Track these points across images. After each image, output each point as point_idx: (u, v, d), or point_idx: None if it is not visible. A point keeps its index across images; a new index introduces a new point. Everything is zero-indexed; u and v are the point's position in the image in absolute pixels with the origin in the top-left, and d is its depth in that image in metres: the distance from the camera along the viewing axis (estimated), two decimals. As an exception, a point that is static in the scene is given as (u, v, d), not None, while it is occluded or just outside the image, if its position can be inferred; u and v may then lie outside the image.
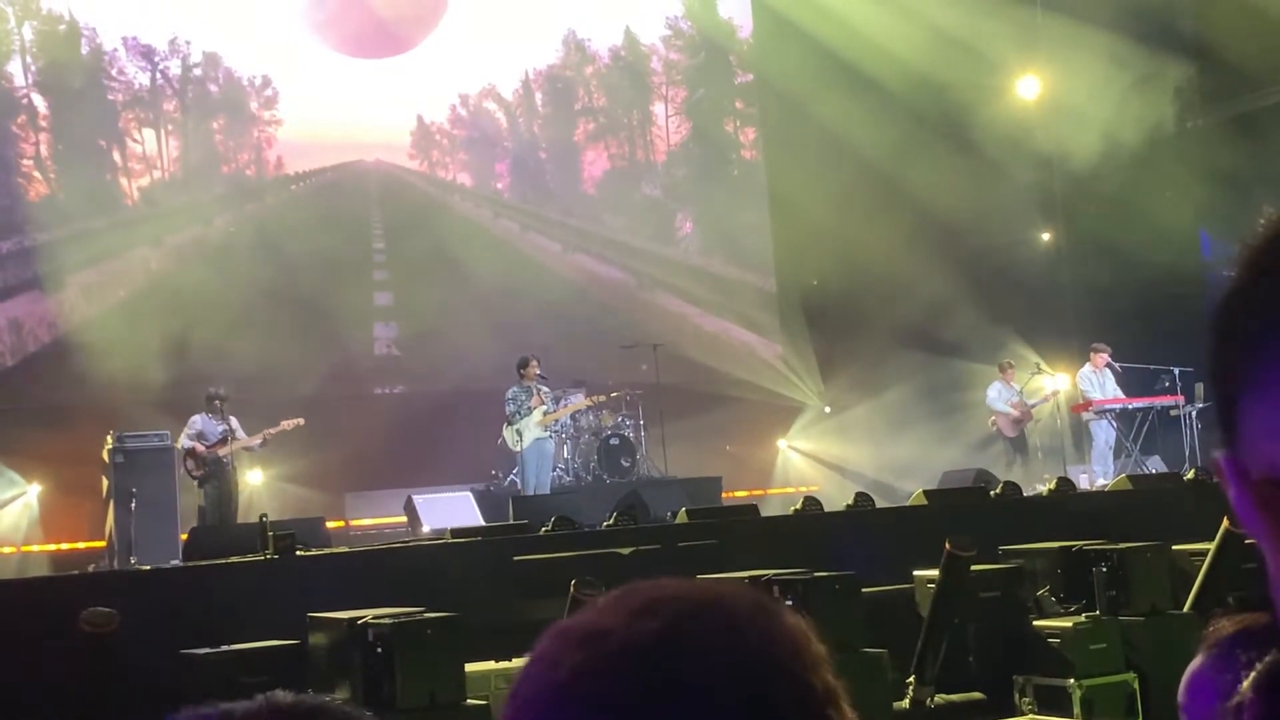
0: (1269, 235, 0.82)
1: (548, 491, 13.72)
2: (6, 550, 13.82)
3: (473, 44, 18.03)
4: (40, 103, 15.91)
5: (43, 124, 15.90)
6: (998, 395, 16.22)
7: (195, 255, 16.20)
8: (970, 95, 17.93)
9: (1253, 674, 1.52)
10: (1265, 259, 0.82)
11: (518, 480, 14.21)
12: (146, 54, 16.43)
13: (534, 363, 14.05)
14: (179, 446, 12.78)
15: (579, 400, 14.93)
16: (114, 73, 16.33)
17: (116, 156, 16.24)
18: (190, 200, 16.50)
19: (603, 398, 15.01)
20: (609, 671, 0.95)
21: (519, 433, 13.92)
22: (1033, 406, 16.19)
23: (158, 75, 16.57)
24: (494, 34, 18.10)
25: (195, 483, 12.87)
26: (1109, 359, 15.65)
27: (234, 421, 13.09)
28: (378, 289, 17.39)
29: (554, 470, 14.73)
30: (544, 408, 13.95)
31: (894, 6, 17.51)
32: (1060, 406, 16.50)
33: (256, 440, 13.11)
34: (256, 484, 14.14)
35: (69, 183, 15.80)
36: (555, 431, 14.64)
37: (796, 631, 1.01)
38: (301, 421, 13.23)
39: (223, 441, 12.91)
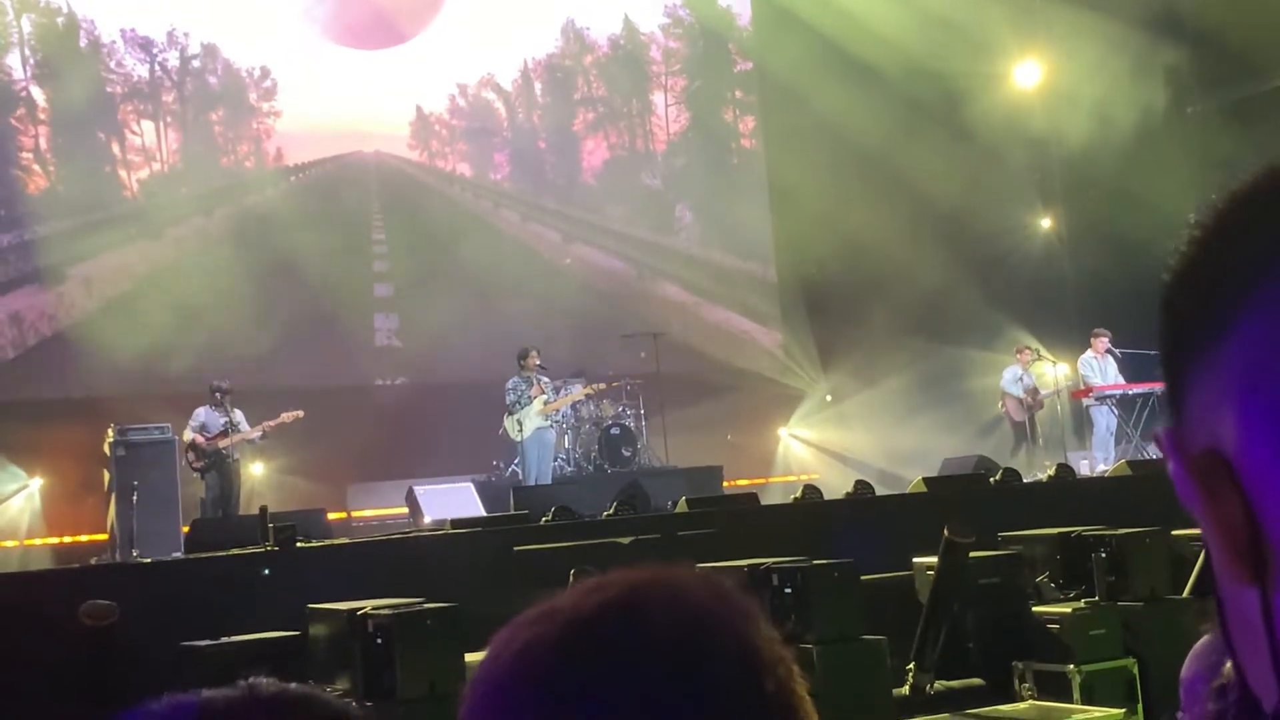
0: (1208, 217, 0.84)
1: (549, 481, 13.74)
2: (9, 544, 13.82)
3: (471, 34, 18.01)
4: (39, 95, 15.90)
5: (41, 117, 15.89)
6: (1013, 379, 16.23)
7: (195, 247, 16.19)
8: (969, 82, 17.92)
9: None
10: (1208, 237, 0.83)
11: (519, 470, 14.23)
12: (145, 46, 16.42)
13: (534, 353, 14.08)
14: (183, 438, 12.84)
15: (579, 390, 14.94)
16: (112, 65, 16.31)
17: (116, 149, 16.23)
18: (190, 192, 16.50)
19: (602, 386, 15.01)
20: (554, 643, 0.98)
21: (519, 423, 13.96)
22: (1044, 396, 16.20)
23: (156, 67, 16.56)
24: (492, 24, 18.08)
25: (197, 475, 12.93)
26: (1109, 344, 15.65)
27: (239, 414, 13.15)
28: (378, 280, 17.38)
29: (555, 460, 14.75)
30: (544, 397, 13.98)
31: (892, -7, 17.50)
32: (1061, 393, 16.51)
33: (256, 433, 13.14)
34: (259, 475, 14.16)
35: (68, 176, 15.80)
36: (556, 421, 14.66)
37: (742, 604, 1.03)
38: (301, 414, 13.26)
39: (224, 434, 12.97)
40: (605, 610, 0.99)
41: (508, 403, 14.06)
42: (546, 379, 14.23)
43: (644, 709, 0.95)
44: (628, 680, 0.95)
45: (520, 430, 13.95)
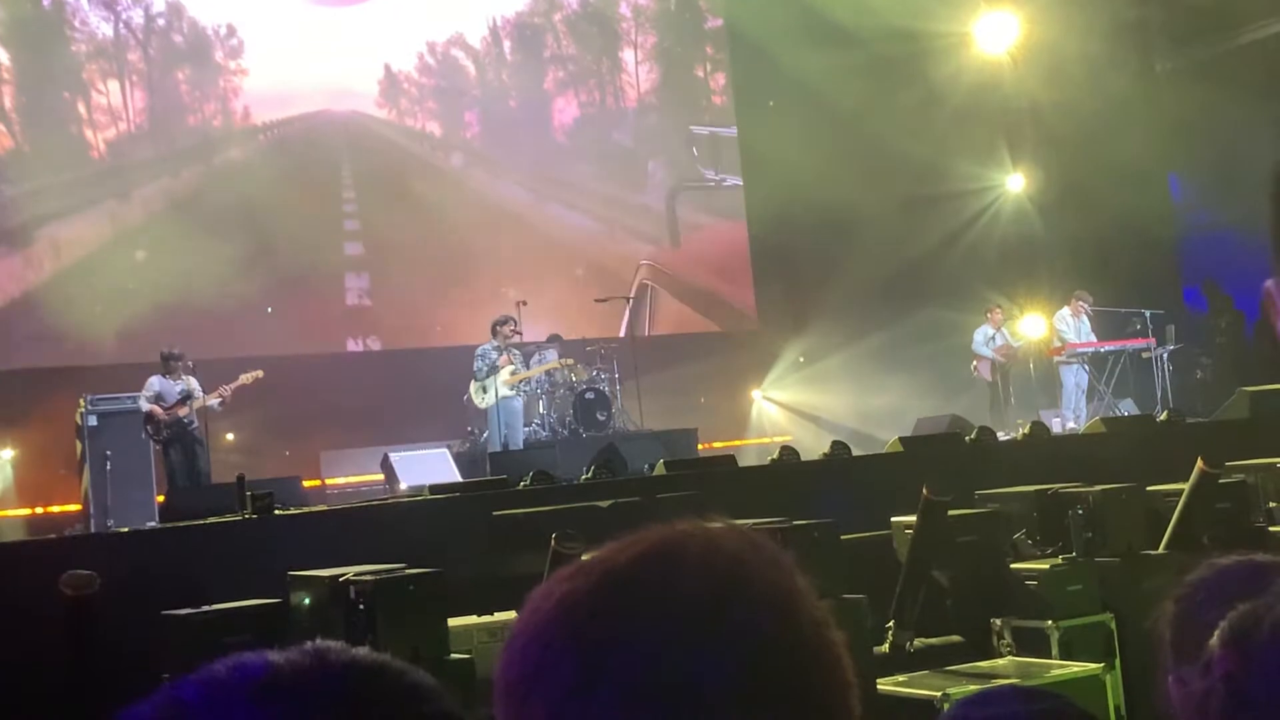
0: None
1: (519, 448, 13.76)
2: (-19, 514, 13.75)
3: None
4: (2, 55, 15.67)
5: (5, 77, 15.67)
6: (983, 340, 16.30)
7: (163, 207, 16.05)
8: (940, 42, 17.87)
9: (1219, 629, 1.53)
10: None
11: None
12: (108, 4, 16.21)
13: (510, 324, 14.04)
14: (141, 409, 12.41)
15: (549, 361, 14.90)
16: (76, 24, 16.10)
17: (81, 109, 16.04)
18: (157, 152, 16.33)
19: (569, 361, 14.94)
20: (591, 595, 0.99)
21: (484, 389, 13.98)
22: (1016, 347, 16.27)
23: (121, 25, 16.34)
24: (461, -19, 17.93)
25: (159, 448, 12.46)
26: (1086, 307, 15.73)
27: (194, 382, 12.62)
28: (348, 239, 17.27)
29: (529, 426, 14.77)
30: (511, 367, 13.98)
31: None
32: (1033, 346, 16.56)
33: (215, 399, 12.55)
34: (229, 443, 14.04)
35: (34, 136, 15.62)
36: (526, 390, 14.64)
37: (776, 554, 1.05)
38: (260, 374, 12.70)
39: (181, 402, 12.49)
40: (641, 562, 1.00)
41: (474, 369, 14.07)
42: (518, 350, 14.22)
43: (681, 659, 0.95)
44: (664, 631, 0.96)
45: (485, 397, 13.97)
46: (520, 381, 14.21)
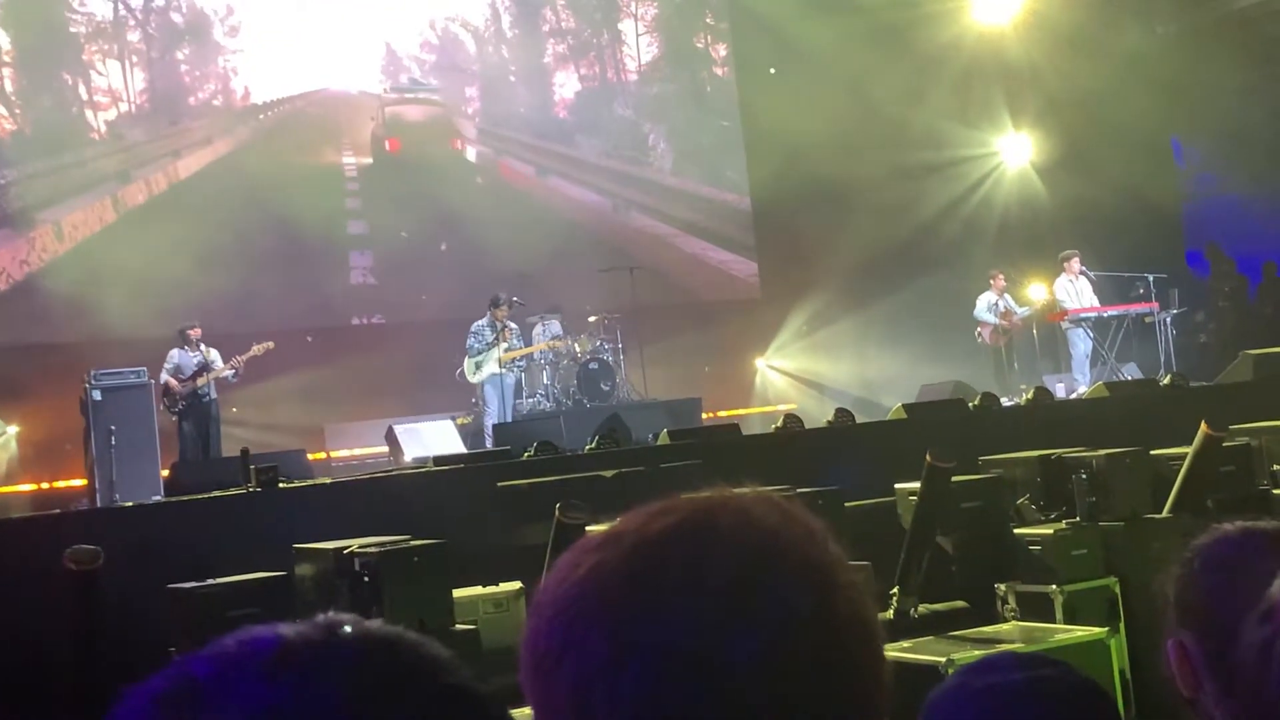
0: None
1: (508, 420, 13.84)
2: (-12, 491, 13.80)
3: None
4: (2, 38, 15.64)
5: (5, 59, 15.65)
6: (986, 306, 16.27)
7: (165, 188, 16.05)
8: (941, 7, 17.79)
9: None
10: None
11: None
12: (107, -16, 16.16)
13: (505, 306, 14.09)
14: (158, 382, 12.78)
15: (547, 339, 14.91)
16: (75, 4, 16.06)
17: (82, 90, 16.02)
18: (158, 132, 16.32)
19: (557, 344, 14.90)
20: (622, 568, 0.98)
21: (478, 365, 14.04)
22: (1020, 316, 16.21)
23: (119, 5, 16.30)
24: (459, -44, 17.86)
25: (174, 419, 12.90)
26: (1081, 265, 15.66)
27: (214, 354, 13.10)
28: (351, 217, 17.26)
29: (533, 396, 14.81)
30: (505, 345, 14.03)
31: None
32: (1038, 310, 16.52)
33: (228, 370, 13.07)
34: (235, 416, 14.11)
35: (35, 118, 15.61)
36: (520, 365, 14.69)
37: (810, 525, 1.04)
38: (271, 345, 13.20)
39: (198, 374, 12.94)
40: (672, 534, 0.99)
41: (467, 345, 14.14)
42: (514, 325, 14.25)
43: (712, 636, 0.94)
44: (695, 608, 0.95)
45: (478, 373, 14.04)
46: (510, 360, 14.25)
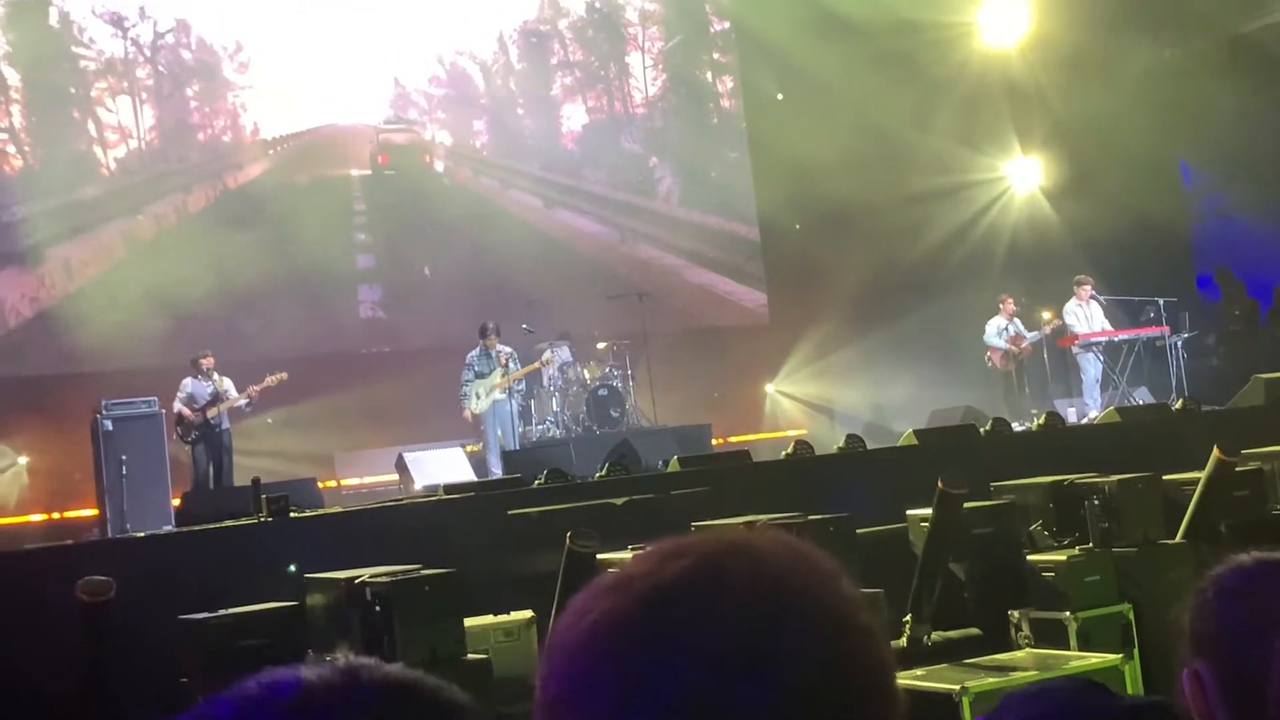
0: None
1: (515, 447, 13.83)
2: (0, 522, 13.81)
3: (447, 1, 17.87)
4: (11, 75, 15.74)
5: (15, 96, 15.74)
6: (996, 330, 16.24)
7: (175, 224, 16.11)
8: (947, 33, 17.85)
9: None
10: None
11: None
12: (116, 21, 16.26)
13: (493, 335, 14.16)
14: (173, 410, 12.86)
15: (537, 361, 14.86)
16: (85, 41, 16.15)
17: (91, 127, 16.10)
18: (167, 168, 16.39)
19: (548, 359, 14.86)
20: (636, 611, 0.97)
21: (477, 395, 14.07)
22: (1029, 340, 16.18)
23: (128, 43, 16.40)
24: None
25: (187, 447, 12.97)
26: (1093, 291, 15.65)
27: (227, 382, 13.19)
28: (360, 251, 17.31)
29: (542, 424, 14.82)
30: (500, 371, 14.08)
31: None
32: (1047, 333, 16.51)
33: (243, 399, 13.18)
34: (247, 446, 14.13)
35: (45, 155, 15.68)
36: (521, 391, 14.72)
37: (823, 567, 1.02)
38: (285, 376, 13.26)
39: (211, 403, 13.01)
40: (683, 580, 0.98)
41: (462, 378, 14.18)
42: (507, 349, 14.27)
43: (724, 688, 0.93)
44: (706, 658, 0.94)
45: (478, 403, 14.06)
46: (509, 384, 14.27)
